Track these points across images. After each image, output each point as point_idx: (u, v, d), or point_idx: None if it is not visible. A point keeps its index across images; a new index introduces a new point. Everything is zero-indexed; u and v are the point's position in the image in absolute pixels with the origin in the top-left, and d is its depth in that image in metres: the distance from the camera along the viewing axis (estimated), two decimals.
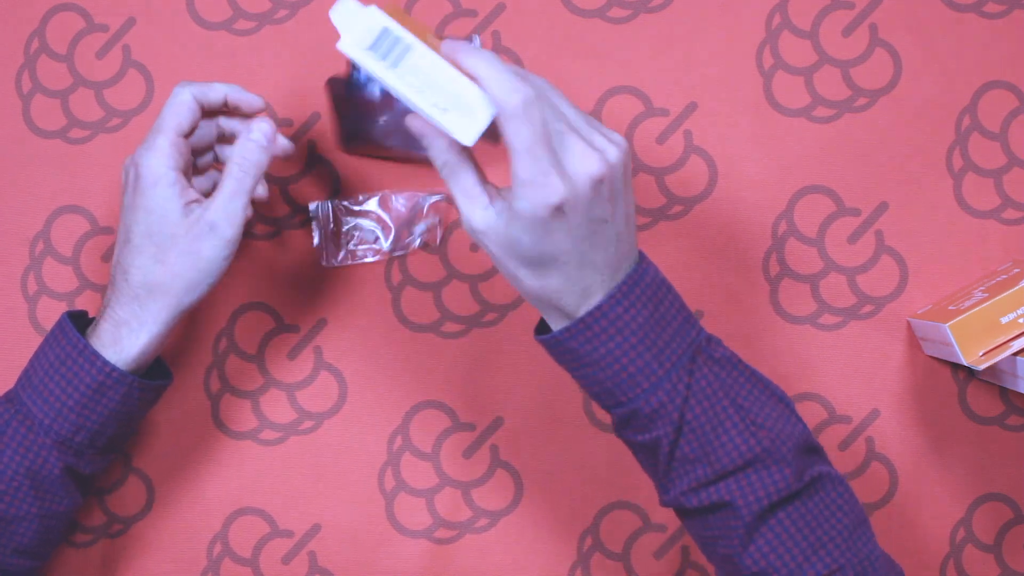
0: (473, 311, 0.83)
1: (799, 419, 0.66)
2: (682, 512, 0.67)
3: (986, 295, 0.75)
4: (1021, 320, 0.73)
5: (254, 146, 0.71)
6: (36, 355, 0.71)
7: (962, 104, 0.84)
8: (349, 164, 0.83)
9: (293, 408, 0.83)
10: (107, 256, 0.83)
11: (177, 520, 0.82)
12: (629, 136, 0.83)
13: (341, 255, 0.83)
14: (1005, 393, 0.82)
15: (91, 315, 0.76)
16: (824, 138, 0.84)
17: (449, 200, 0.83)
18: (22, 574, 0.71)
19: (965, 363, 0.74)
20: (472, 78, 0.61)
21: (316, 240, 0.83)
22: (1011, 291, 0.74)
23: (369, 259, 0.83)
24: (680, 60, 0.84)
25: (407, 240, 0.82)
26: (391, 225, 0.82)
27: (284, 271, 0.83)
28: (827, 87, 0.84)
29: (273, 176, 0.83)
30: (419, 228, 0.82)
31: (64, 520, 0.72)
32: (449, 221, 0.83)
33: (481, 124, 0.61)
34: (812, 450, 0.66)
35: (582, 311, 0.63)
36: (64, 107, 0.84)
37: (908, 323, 0.83)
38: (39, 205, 0.83)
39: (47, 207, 0.83)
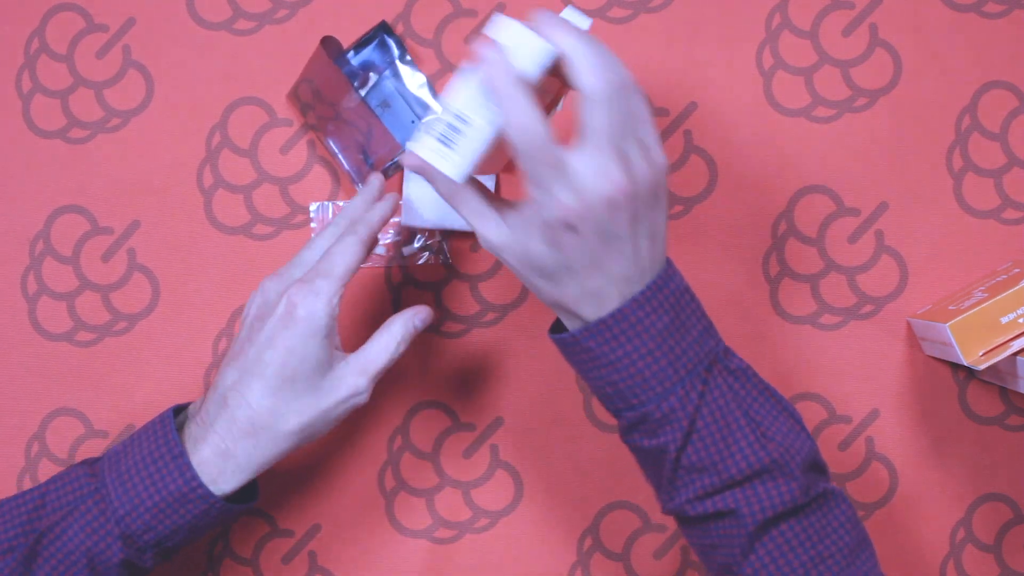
0: (473, 311, 0.83)
1: (808, 436, 0.66)
2: (683, 520, 0.67)
3: (986, 295, 0.75)
4: (1021, 320, 0.73)
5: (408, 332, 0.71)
6: (132, 439, 0.69)
7: (962, 104, 0.84)
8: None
9: None
10: (107, 256, 0.83)
11: None
12: None
13: None
14: (1005, 393, 0.82)
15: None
16: (824, 138, 0.83)
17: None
18: None
19: (965, 363, 0.74)
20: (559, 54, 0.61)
21: None
22: (1011, 291, 0.74)
23: (368, 264, 0.82)
24: (680, 60, 0.84)
25: (406, 250, 0.82)
26: (390, 230, 0.82)
27: None
28: (827, 87, 0.84)
29: (273, 176, 0.83)
30: (419, 237, 0.82)
31: None
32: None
33: (465, 164, 0.62)
34: (818, 468, 0.67)
35: (600, 316, 0.63)
36: (64, 107, 0.84)
37: (908, 323, 0.83)
38: (39, 205, 0.83)
39: (47, 207, 0.83)
